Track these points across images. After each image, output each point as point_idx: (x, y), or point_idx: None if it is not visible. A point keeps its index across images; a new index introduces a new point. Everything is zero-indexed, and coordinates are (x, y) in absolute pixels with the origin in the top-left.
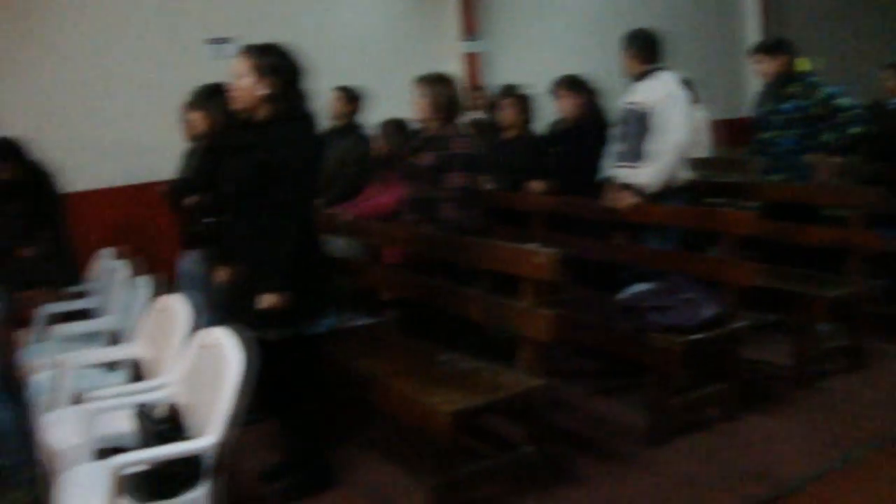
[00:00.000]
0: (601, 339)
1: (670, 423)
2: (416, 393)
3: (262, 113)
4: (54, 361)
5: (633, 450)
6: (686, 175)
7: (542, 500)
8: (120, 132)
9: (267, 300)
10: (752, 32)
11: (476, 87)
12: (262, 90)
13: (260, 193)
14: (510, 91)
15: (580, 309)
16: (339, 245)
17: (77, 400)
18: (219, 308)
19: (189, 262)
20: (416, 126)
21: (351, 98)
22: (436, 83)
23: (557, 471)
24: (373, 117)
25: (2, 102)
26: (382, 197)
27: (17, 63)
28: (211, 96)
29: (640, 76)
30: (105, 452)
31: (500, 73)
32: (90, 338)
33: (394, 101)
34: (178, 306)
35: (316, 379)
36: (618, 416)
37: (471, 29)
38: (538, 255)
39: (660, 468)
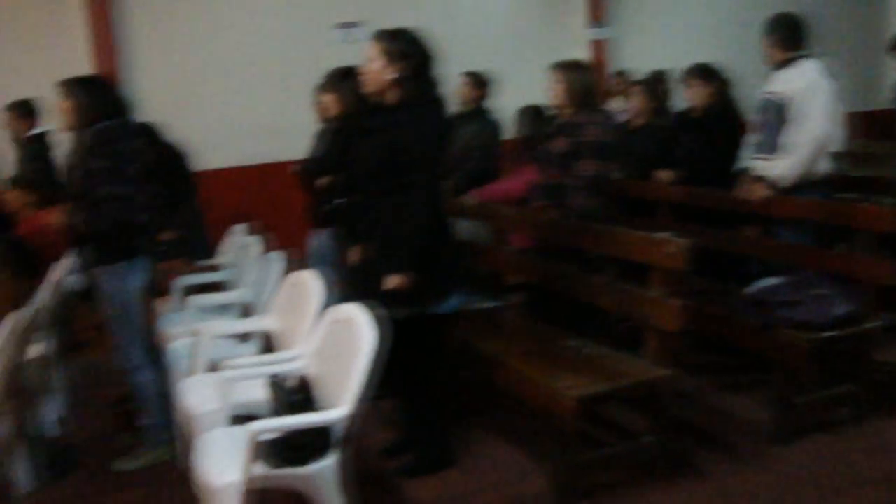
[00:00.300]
0: (729, 332)
1: (796, 422)
2: (541, 376)
3: (392, 96)
4: (191, 330)
5: (757, 447)
6: (825, 168)
7: (661, 492)
8: (253, 114)
9: (393, 281)
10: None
11: (619, 73)
12: (392, 74)
13: (389, 175)
14: (659, 76)
15: (708, 301)
16: (465, 228)
17: (213, 368)
18: (348, 286)
19: (319, 240)
20: (553, 112)
21: (479, 83)
22: (572, 69)
23: (677, 463)
24: (500, 103)
25: (139, 87)
26: (512, 182)
27: (153, 49)
28: (343, 79)
29: (782, 64)
30: (239, 419)
31: (628, 61)
32: (223, 309)
33: (520, 87)
34: (311, 282)
35: (440, 359)
36: (742, 412)
37: (598, 15)
38: (669, 245)
39: (783, 467)
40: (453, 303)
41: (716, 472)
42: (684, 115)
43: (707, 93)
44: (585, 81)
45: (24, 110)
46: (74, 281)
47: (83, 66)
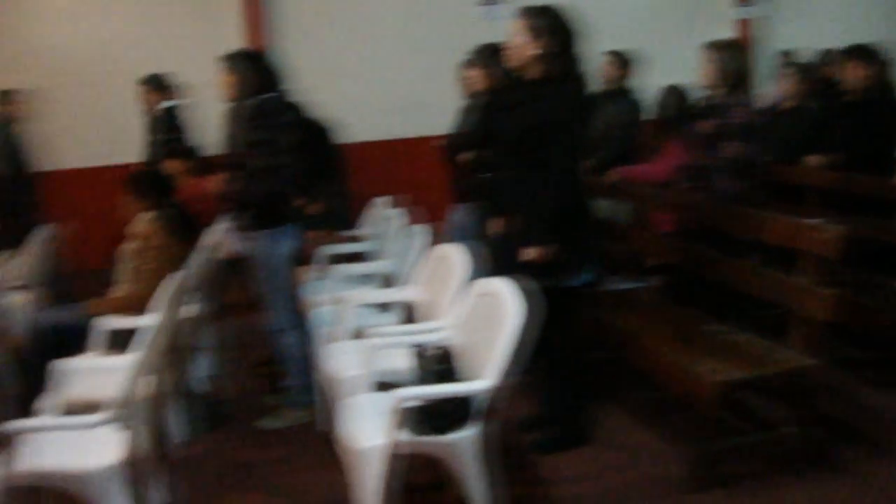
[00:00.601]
0: (879, 325)
1: None
2: (681, 359)
3: (535, 72)
4: (336, 298)
5: None
6: None
7: (800, 484)
8: (397, 88)
9: (530, 253)
10: None
11: (785, 54)
12: (535, 50)
13: (530, 150)
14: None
15: (860, 291)
16: (605, 207)
17: (355, 335)
18: (489, 260)
19: (460, 214)
20: (700, 93)
21: (622, 62)
22: (724, 49)
23: (817, 456)
24: (643, 83)
25: (287, 61)
26: (655, 163)
27: (301, 24)
28: (491, 55)
29: None
30: (381, 386)
31: (777, 41)
32: (364, 279)
33: (664, 67)
34: (455, 255)
35: (573, 334)
36: (889, 409)
37: None
38: (824, 231)
39: None
40: (584, 278)
41: (856, 468)
42: (839, 98)
43: (865, 75)
44: (738, 62)
45: (157, 84)
46: (228, 246)
47: (235, 40)
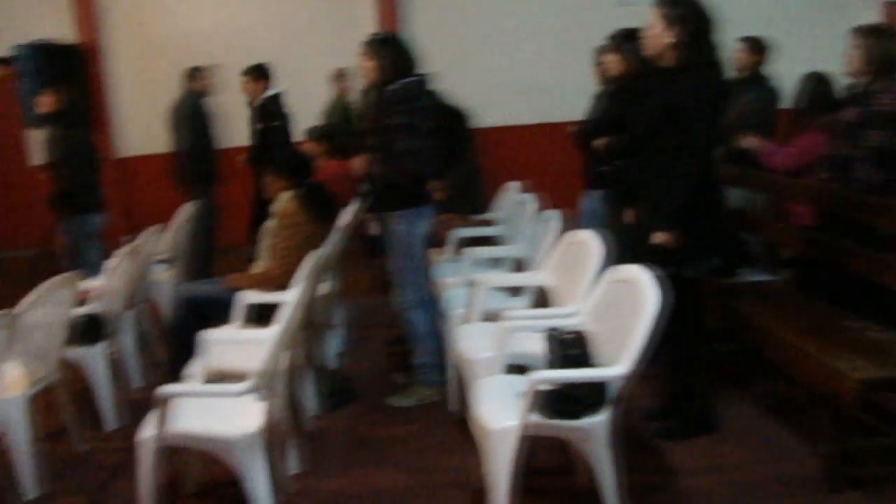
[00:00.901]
0: None
1: None
2: (820, 354)
3: (669, 59)
4: (468, 280)
5: None
6: None
7: None
8: (529, 74)
9: (658, 237)
10: None
11: None
12: (670, 38)
13: (663, 137)
14: None
15: None
16: (739, 196)
17: (487, 317)
18: (619, 247)
19: (591, 201)
20: (843, 81)
21: (756, 49)
22: (873, 34)
23: None
24: (779, 70)
25: (419, 45)
26: (791, 151)
27: (433, 8)
28: (627, 40)
29: None
30: (512, 368)
31: None
32: (494, 263)
33: (801, 54)
34: (590, 241)
35: (698, 323)
36: None
37: None
38: None
39: None
40: (710, 267)
41: None
42: None
43: None
44: (887, 48)
45: (259, 73)
46: (363, 225)
47: (368, 26)
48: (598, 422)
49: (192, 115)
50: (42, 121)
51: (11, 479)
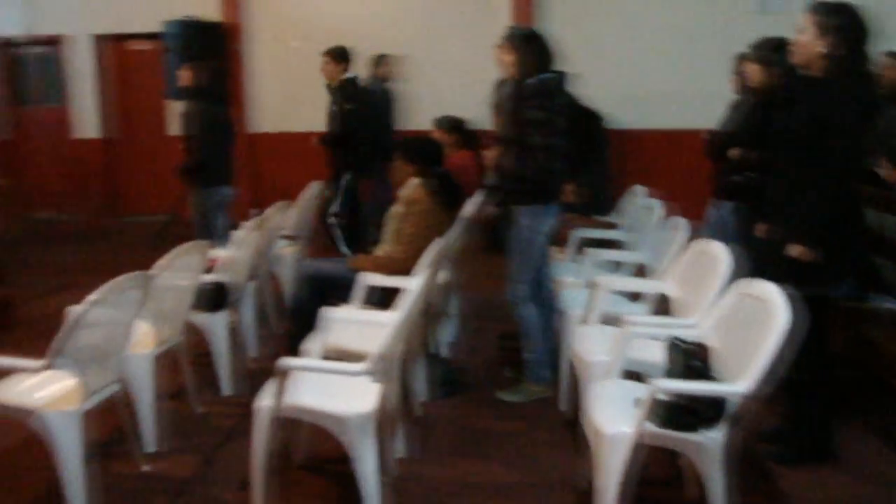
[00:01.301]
0: None
1: None
2: None
3: (818, 69)
4: (589, 281)
5: None
6: None
7: None
8: (663, 78)
9: (796, 250)
10: None
11: None
12: (821, 48)
13: (807, 150)
14: None
15: None
16: (875, 219)
17: (605, 321)
18: (748, 261)
19: (718, 212)
20: None
21: None
22: None
23: None
24: None
25: (557, 42)
26: None
27: (569, 10)
28: (772, 50)
29: None
30: (629, 374)
31: None
32: (615, 266)
33: None
34: (718, 252)
35: (825, 346)
36: None
37: None
38: None
39: None
40: (844, 289)
41: None
42: None
43: None
44: None
45: (339, 56)
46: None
47: (503, 21)
48: (715, 437)
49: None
50: (181, 94)
51: (134, 431)
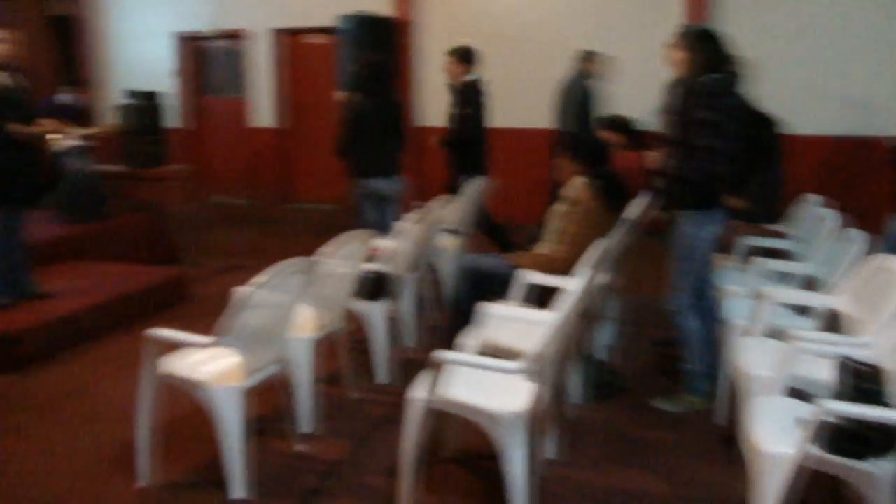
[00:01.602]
0: None
1: None
2: None
3: None
4: (755, 292)
5: None
6: None
7: None
8: (843, 82)
9: None
10: None
11: None
12: None
13: None
14: None
15: None
16: None
17: (770, 334)
18: None
19: None
20: None
21: None
22: None
23: None
24: None
25: (737, 48)
26: None
27: (745, 10)
28: None
29: None
30: (793, 392)
31: None
32: (782, 278)
33: None
34: None
35: None
36: None
37: None
38: None
39: None
40: None
41: None
42: None
43: None
44: None
45: (463, 56)
46: (651, 221)
47: (676, 19)
48: (886, 468)
49: (578, 95)
50: (346, 86)
51: (290, 412)
